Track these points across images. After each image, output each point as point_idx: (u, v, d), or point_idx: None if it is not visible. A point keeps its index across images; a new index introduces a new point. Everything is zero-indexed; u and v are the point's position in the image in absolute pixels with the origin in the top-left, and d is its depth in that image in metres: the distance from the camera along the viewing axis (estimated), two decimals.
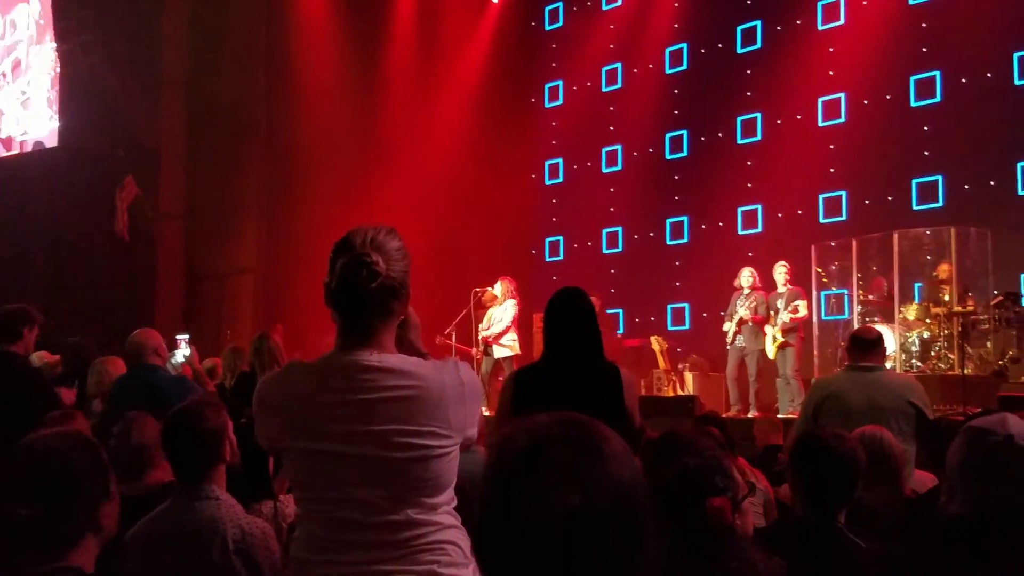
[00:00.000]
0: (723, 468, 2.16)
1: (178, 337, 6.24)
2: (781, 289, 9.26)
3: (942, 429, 4.36)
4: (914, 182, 10.76)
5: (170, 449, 2.82)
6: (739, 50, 12.27)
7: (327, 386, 1.98)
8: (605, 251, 13.33)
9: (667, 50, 12.83)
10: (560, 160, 13.95)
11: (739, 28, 12.23)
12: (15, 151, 17.06)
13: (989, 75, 10.32)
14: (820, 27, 11.52)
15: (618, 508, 1.05)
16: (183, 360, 6.00)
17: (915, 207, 10.70)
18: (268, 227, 14.41)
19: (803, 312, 9.21)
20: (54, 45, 16.03)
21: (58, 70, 16.18)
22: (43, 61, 16.69)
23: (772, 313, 9.21)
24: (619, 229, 13.23)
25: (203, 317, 14.37)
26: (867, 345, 4.71)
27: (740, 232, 12.01)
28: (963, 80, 10.45)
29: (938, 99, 10.62)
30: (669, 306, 12.62)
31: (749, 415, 8.93)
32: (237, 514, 2.73)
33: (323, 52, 13.65)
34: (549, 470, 1.04)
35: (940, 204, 10.51)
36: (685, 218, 12.60)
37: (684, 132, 12.67)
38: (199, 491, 2.73)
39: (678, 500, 2.08)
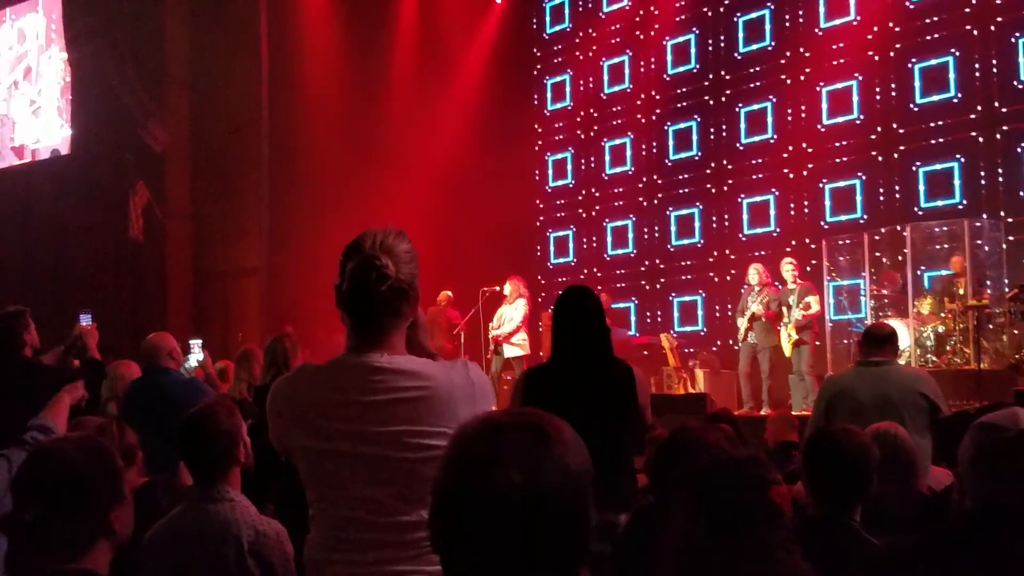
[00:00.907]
0: (769, 463, 2.19)
1: (191, 341, 6.27)
2: (791, 285, 9.23)
3: (954, 424, 4.35)
4: (922, 171, 10.68)
5: (185, 451, 2.83)
6: (743, 47, 12.22)
7: (338, 387, 1.99)
8: (612, 249, 13.30)
9: (671, 43, 12.77)
10: (566, 156, 13.92)
11: (743, 20, 12.18)
12: (27, 159, 17.19)
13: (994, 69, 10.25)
14: (823, 24, 11.44)
15: (562, 491, 1.10)
16: (196, 364, 6.02)
17: (926, 200, 10.61)
18: (272, 227, 14.47)
19: (815, 308, 9.18)
20: (64, 54, 16.14)
21: (68, 78, 16.29)
22: (53, 69, 16.81)
23: (784, 310, 9.18)
24: (626, 225, 13.20)
25: (211, 318, 14.44)
26: (879, 340, 4.69)
27: (748, 229, 11.96)
28: (976, 70, 10.38)
29: (952, 93, 10.53)
30: (676, 299, 12.57)
31: (761, 412, 8.90)
32: (251, 515, 2.74)
33: (325, 52, 13.68)
34: (497, 450, 1.11)
35: (954, 198, 10.42)
36: (694, 211, 12.55)
37: (691, 127, 12.62)
38: (213, 493, 2.74)
39: (731, 488, 2.09)
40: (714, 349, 11.52)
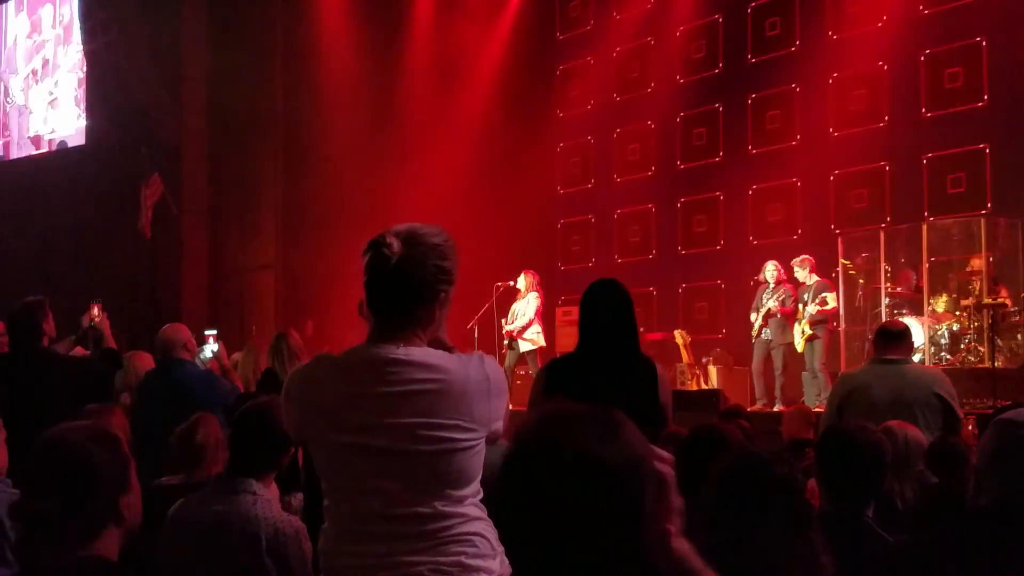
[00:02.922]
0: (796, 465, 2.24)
1: (206, 333, 6.29)
2: (809, 282, 9.20)
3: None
4: (940, 169, 10.60)
5: (238, 440, 2.83)
6: (761, 45, 12.16)
7: (353, 378, 1.99)
8: (627, 245, 13.27)
9: (688, 41, 12.71)
10: (583, 153, 13.89)
11: (762, 18, 12.12)
12: (44, 150, 17.29)
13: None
14: (842, 23, 11.37)
15: (625, 471, 1.17)
16: (211, 356, 6.04)
17: (943, 199, 10.54)
18: (288, 223, 14.51)
19: (832, 304, 9.14)
20: (80, 45, 16.22)
21: (84, 70, 16.37)
22: (70, 61, 16.90)
23: (801, 306, 9.15)
24: (642, 221, 13.17)
25: (226, 313, 14.49)
26: (893, 338, 4.66)
27: (764, 226, 11.91)
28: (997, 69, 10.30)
29: (971, 90, 10.45)
30: (691, 296, 12.54)
31: (774, 409, 8.87)
32: (273, 512, 2.74)
33: (342, 48, 13.69)
34: (568, 428, 1.19)
35: (971, 196, 10.34)
36: (710, 208, 12.51)
37: (708, 125, 12.58)
38: (240, 485, 2.74)
39: (766, 484, 2.10)
40: (721, 338, 11.50)
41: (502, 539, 1.24)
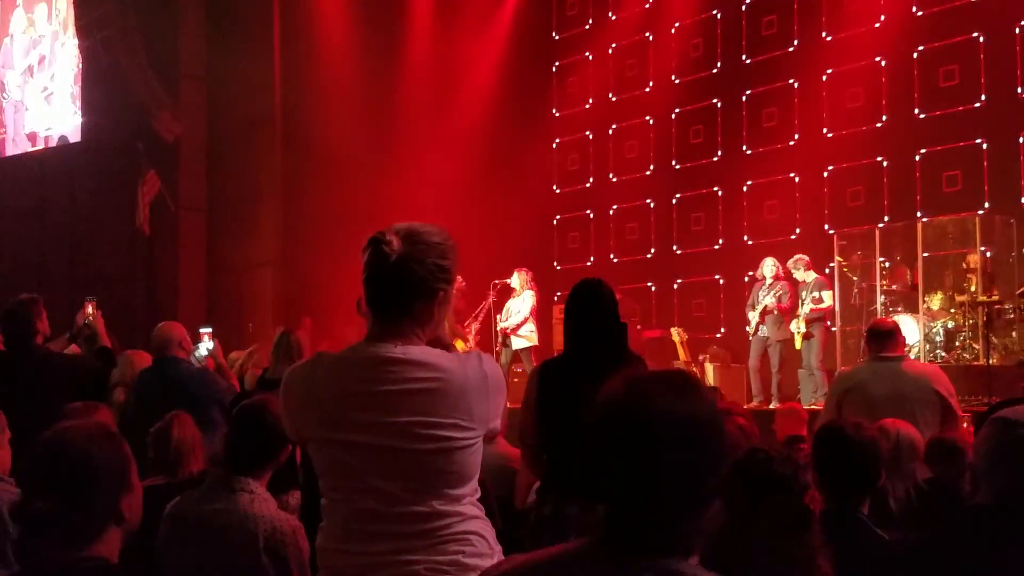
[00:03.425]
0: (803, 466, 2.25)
1: (202, 330, 6.24)
2: (808, 279, 9.21)
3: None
4: (936, 167, 10.62)
5: (235, 438, 2.83)
6: (757, 42, 12.16)
7: (352, 377, 1.99)
8: (624, 243, 13.27)
9: (684, 40, 12.72)
10: (579, 150, 13.89)
11: (758, 16, 12.12)
12: (40, 146, 17.24)
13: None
14: (838, 21, 11.38)
15: (703, 422, 1.32)
16: (207, 353, 6.02)
17: (939, 197, 10.55)
18: (287, 221, 14.48)
19: (828, 303, 9.16)
20: (76, 41, 16.16)
21: (80, 66, 16.31)
22: (66, 56, 16.84)
23: (800, 304, 9.16)
24: (638, 219, 13.18)
25: (224, 310, 14.46)
26: (884, 336, 4.69)
27: (760, 223, 11.92)
28: (980, 69, 10.31)
29: (968, 89, 10.46)
30: (687, 294, 12.55)
31: (771, 406, 8.89)
32: (270, 510, 2.74)
33: (340, 45, 13.66)
34: (652, 386, 1.34)
35: (967, 194, 10.36)
36: (707, 206, 12.52)
37: (704, 123, 12.58)
38: (237, 483, 2.74)
39: (771, 490, 2.11)
40: (719, 337, 11.51)
41: (590, 495, 1.36)
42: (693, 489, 1.31)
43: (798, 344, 9.16)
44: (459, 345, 9.98)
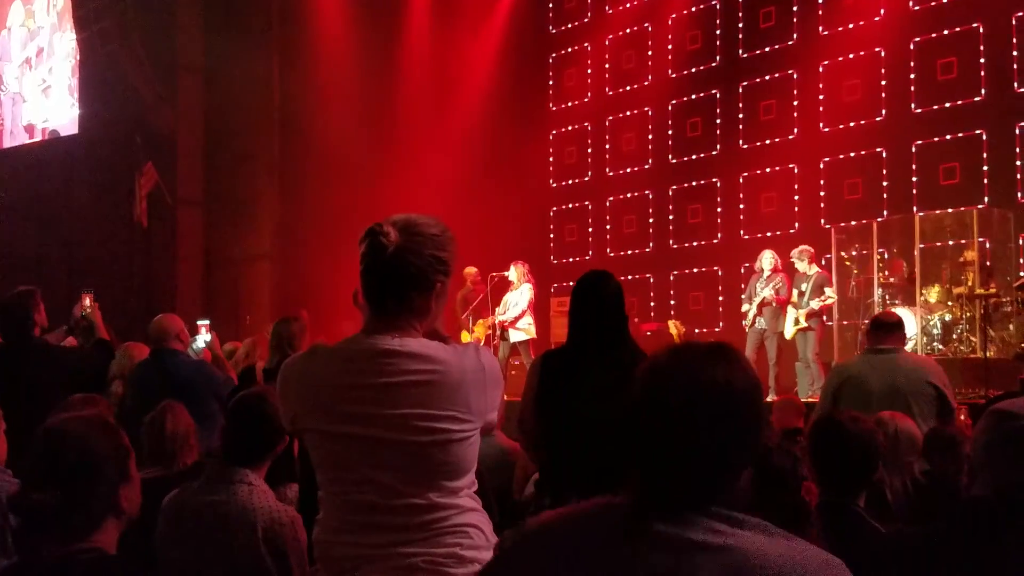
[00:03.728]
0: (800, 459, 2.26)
1: (199, 322, 6.24)
2: (810, 272, 9.19)
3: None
4: (934, 159, 10.62)
5: (235, 429, 2.83)
6: (756, 35, 12.14)
7: (348, 369, 1.99)
8: (622, 236, 13.27)
9: (683, 32, 12.69)
10: (577, 143, 13.88)
11: (756, 8, 12.10)
12: (37, 139, 17.21)
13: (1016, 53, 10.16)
14: (836, 13, 11.35)
15: (749, 395, 1.36)
16: (204, 345, 6.01)
17: (937, 189, 10.56)
18: (284, 214, 14.47)
19: (833, 299, 9.17)
20: (74, 33, 16.12)
21: (78, 58, 16.27)
22: (64, 49, 16.80)
23: (797, 295, 9.15)
24: (636, 212, 13.17)
25: (221, 303, 14.46)
26: (887, 328, 4.68)
27: (758, 216, 11.92)
28: (979, 61, 10.31)
29: (966, 82, 10.45)
30: (685, 286, 12.55)
31: (768, 398, 8.89)
32: (268, 501, 2.74)
33: (337, 38, 13.63)
34: (699, 355, 1.38)
35: (965, 187, 10.36)
36: (704, 198, 12.52)
37: (703, 115, 12.57)
38: (235, 475, 2.75)
39: (769, 482, 2.13)
40: (718, 332, 11.51)
41: (633, 462, 1.38)
42: (732, 455, 1.35)
43: (788, 334, 9.15)
44: (479, 330, 9.95)
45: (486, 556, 1.95)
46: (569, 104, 13.90)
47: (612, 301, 3.55)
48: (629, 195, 13.22)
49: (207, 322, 6.24)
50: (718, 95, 12.39)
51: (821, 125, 11.44)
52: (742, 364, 1.39)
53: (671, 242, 12.78)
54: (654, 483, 1.36)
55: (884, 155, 10.98)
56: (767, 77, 11.92)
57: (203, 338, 5.98)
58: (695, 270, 12.51)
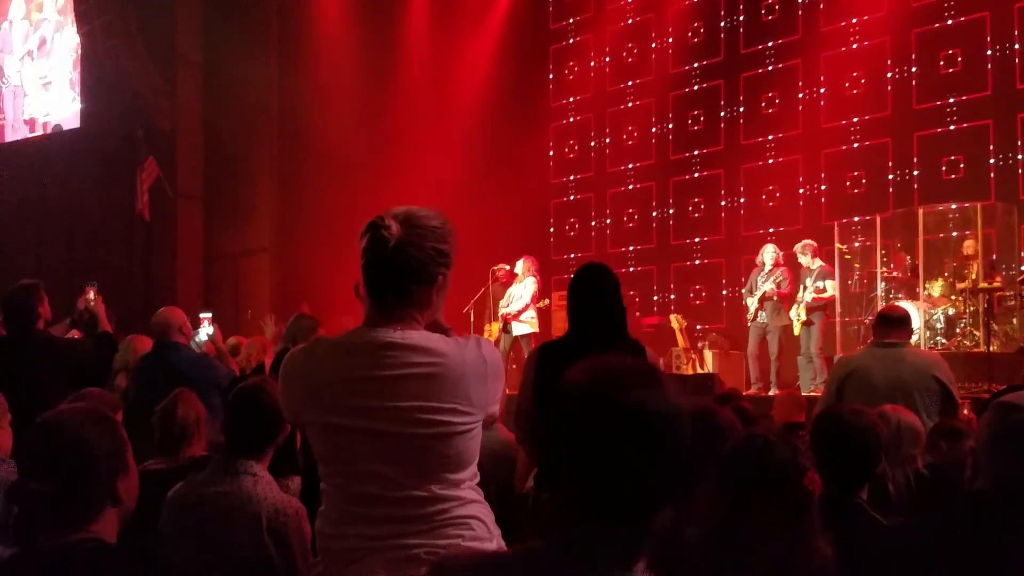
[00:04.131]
0: (801, 449, 2.24)
1: (202, 315, 6.26)
2: (813, 267, 9.19)
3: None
4: (937, 154, 10.60)
5: (235, 420, 2.83)
6: (758, 28, 12.11)
7: (350, 362, 1.99)
8: (624, 229, 13.26)
9: (685, 25, 12.67)
10: (579, 136, 13.86)
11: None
12: (39, 133, 17.21)
13: (1018, 46, 10.13)
14: (839, 6, 11.32)
15: (673, 417, 1.26)
16: (207, 338, 6.03)
17: (940, 184, 10.54)
18: (283, 207, 14.48)
19: (830, 292, 9.15)
20: (75, 27, 16.11)
21: (79, 52, 16.27)
22: (66, 43, 16.79)
23: (801, 290, 9.15)
24: (638, 205, 13.16)
25: (221, 296, 14.48)
26: (893, 322, 4.66)
27: (760, 210, 11.91)
28: (985, 53, 10.28)
29: (969, 75, 10.43)
30: (687, 280, 12.55)
31: (770, 393, 8.89)
32: (273, 493, 2.75)
33: (337, 32, 13.62)
34: (623, 376, 1.27)
35: (968, 181, 10.34)
36: (706, 192, 12.50)
37: (705, 109, 12.55)
38: (240, 466, 2.75)
39: (772, 473, 2.11)
40: (722, 327, 11.51)
41: (549, 484, 1.29)
42: (653, 489, 1.25)
43: (797, 330, 9.15)
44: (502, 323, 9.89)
45: (489, 547, 1.96)
46: (570, 98, 13.88)
47: (609, 294, 3.54)
48: (630, 189, 13.20)
49: (209, 315, 6.26)
50: (720, 88, 12.37)
51: (824, 118, 11.41)
52: (670, 390, 1.28)
53: (673, 236, 12.76)
54: (569, 520, 1.26)
55: (887, 149, 10.96)
56: (769, 69, 11.90)
57: (205, 331, 5.99)
58: (697, 264, 12.50)
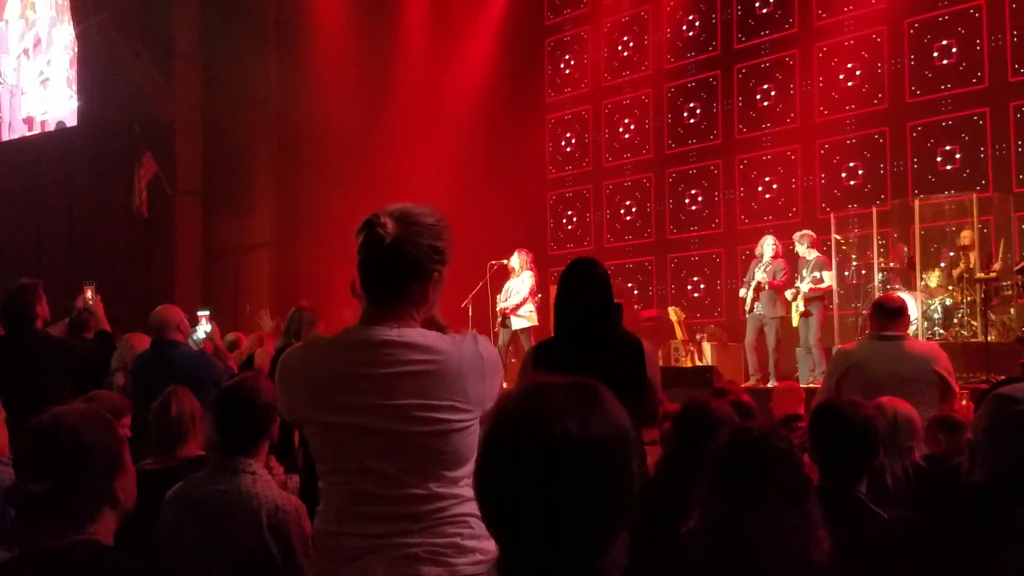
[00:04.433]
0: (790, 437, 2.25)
1: (199, 313, 6.26)
2: (809, 257, 9.19)
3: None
4: (933, 144, 10.60)
5: (223, 419, 2.83)
6: (753, 21, 12.09)
7: (347, 360, 1.99)
8: (621, 222, 13.26)
9: (681, 17, 12.65)
10: (576, 129, 13.85)
11: None
12: (36, 131, 17.19)
13: (1015, 36, 10.12)
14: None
15: (612, 444, 1.15)
16: (204, 336, 6.03)
17: (936, 174, 10.54)
18: (282, 202, 14.46)
19: (827, 283, 9.15)
20: (72, 25, 16.08)
21: (76, 50, 16.24)
22: (63, 41, 16.75)
23: (799, 281, 9.15)
24: (635, 198, 13.15)
25: (221, 292, 14.47)
26: (890, 314, 4.63)
27: (757, 202, 11.91)
28: (977, 45, 10.27)
29: (964, 65, 10.41)
30: (684, 273, 12.55)
31: (768, 385, 8.90)
32: (272, 490, 2.75)
33: (334, 26, 13.59)
34: (552, 402, 1.16)
35: (964, 171, 10.34)
36: (703, 185, 12.50)
37: (701, 102, 12.54)
38: (238, 464, 2.75)
39: (764, 457, 2.11)
40: (723, 321, 11.51)
41: (483, 515, 1.20)
42: (599, 523, 1.14)
43: (795, 321, 9.16)
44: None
45: (487, 545, 1.96)
46: (567, 91, 13.86)
47: (599, 288, 3.51)
48: (627, 182, 13.19)
49: (207, 312, 6.26)
50: (716, 81, 12.35)
51: (820, 109, 11.41)
52: (605, 408, 1.17)
53: (670, 229, 12.76)
54: (511, 566, 1.16)
55: (883, 140, 10.95)
56: (765, 61, 11.88)
57: (203, 328, 6.00)
58: (694, 256, 12.50)
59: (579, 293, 3.53)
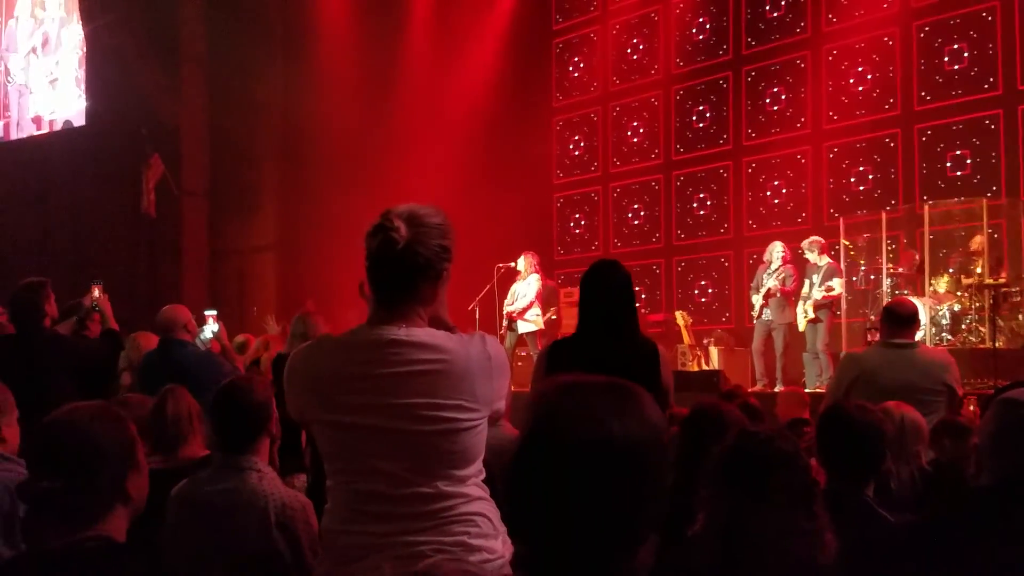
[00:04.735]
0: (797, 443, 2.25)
1: (207, 312, 6.27)
2: (820, 263, 9.17)
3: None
4: (942, 149, 10.57)
5: (219, 419, 2.83)
6: (763, 24, 12.08)
7: (355, 359, 2.00)
8: (628, 226, 13.24)
9: (690, 20, 12.64)
10: (583, 133, 13.84)
11: None
12: (44, 131, 17.25)
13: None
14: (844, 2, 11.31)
15: (649, 444, 1.16)
16: (212, 336, 6.04)
17: (946, 180, 10.51)
18: (287, 204, 14.49)
19: (838, 291, 9.14)
20: (80, 25, 16.15)
21: (84, 50, 16.31)
22: (71, 41, 16.82)
23: (808, 287, 9.13)
24: (643, 202, 13.14)
25: (227, 293, 14.50)
26: (902, 320, 4.56)
27: (765, 207, 11.89)
28: (990, 48, 10.24)
29: (974, 71, 10.39)
30: (692, 277, 12.54)
31: (775, 390, 8.88)
32: (279, 488, 2.76)
33: (341, 28, 13.61)
34: (593, 403, 1.17)
35: (974, 177, 10.31)
36: (711, 189, 12.48)
37: (709, 105, 12.52)
38: (243, 463, 2.76)
39: (770, 460, 2.11)
40: (731, 328, 11.49)
41: (508, 515, 1.21)
42: (633, 523, 1.15)
43: (801, 326, 9.13)
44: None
45: (494, 544, 1.96)
46: (575, 94, 13.85)
47: (621, 290, 3.54)
48: (635, 185, 13.18)
49: (214, 312, 6.26)
50: (725, 84, 12.34)
51: (830, 112, 11.39)
52: (643, 408, 1.18)
53: (678, 232, 12.74)
54: (541, 567, 1.15)
55: (893, 144, 10.93)
56: (775, 64, 11.86)
57: (211, 328, 6.01)
58: (702, 260, 12.48)
59: (599, 295, 3.56)
